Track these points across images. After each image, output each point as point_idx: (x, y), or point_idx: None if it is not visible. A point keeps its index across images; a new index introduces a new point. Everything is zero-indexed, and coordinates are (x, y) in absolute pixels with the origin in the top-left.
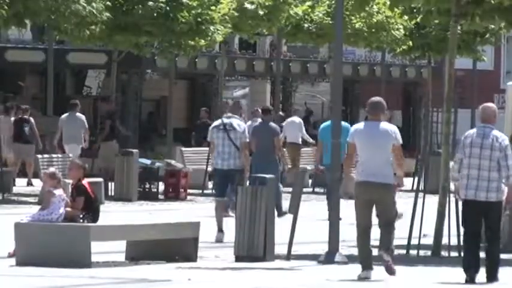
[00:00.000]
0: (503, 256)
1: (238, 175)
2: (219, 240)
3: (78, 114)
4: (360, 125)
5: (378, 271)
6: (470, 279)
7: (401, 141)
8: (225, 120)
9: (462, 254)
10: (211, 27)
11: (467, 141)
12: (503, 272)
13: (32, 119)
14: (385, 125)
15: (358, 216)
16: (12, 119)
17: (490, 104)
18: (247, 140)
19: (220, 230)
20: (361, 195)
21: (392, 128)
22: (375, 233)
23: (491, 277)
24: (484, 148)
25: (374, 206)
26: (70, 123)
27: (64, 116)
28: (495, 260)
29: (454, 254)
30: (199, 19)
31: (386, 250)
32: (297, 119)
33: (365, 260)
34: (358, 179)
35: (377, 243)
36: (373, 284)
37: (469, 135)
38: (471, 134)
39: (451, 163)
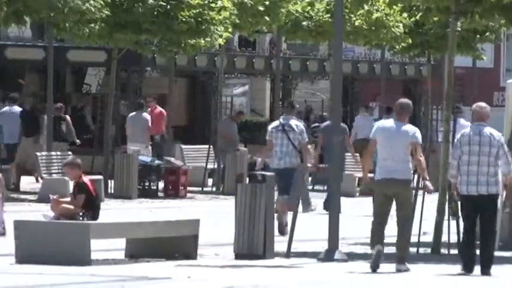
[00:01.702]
0: (504, 254)
1: (295, 173)
2: (282, 232)
3: (144, 114)
4: (383, 123)
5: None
6: (469, 271)
7: (420, 141)
8: (283, 121)
9: (460, 249)
10: (212, 27)
11: (465, 139)
12: (502, 269)
13: (68, 117)
14: (406, 125)
15: (376, 212)
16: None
17: (483, 104)
18: (307, 140)
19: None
20: (381, 191)
21: (412, 129)
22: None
23: (486, 272)
24: (483, 145)
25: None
26: (135, 123)
27: (130, 115)
28: (491, 255)
29: (453, 251)
30: (199, 19)
31: (402, 262)
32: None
33: (376, 238)
34: (378, 176)
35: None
36: (386, 276)
37: (465, 134)
38: (467, 132)
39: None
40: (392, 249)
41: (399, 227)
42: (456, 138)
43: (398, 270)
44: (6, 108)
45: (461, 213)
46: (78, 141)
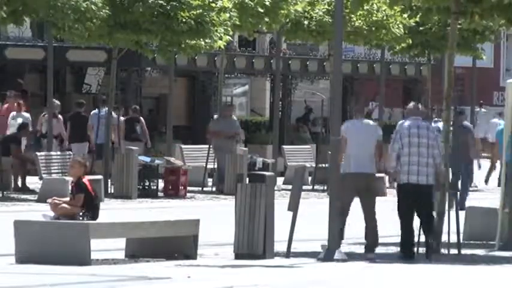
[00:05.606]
0: (504, 254)
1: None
2: None
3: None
4: (350, 122)
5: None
6: (410, 257)
7: (381, 138)
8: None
9: (401, 234)
10: (212, 29)
11: (405, 132)
12: (502, 269)
13: (142, 119)
14: (369, 123)
15: (344, 204)
16: (123, 118)
17: (414, 103)
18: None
19: None
20: (351, 184)
21: (377, 127)
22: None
23: (430, 257)
24: (422, 137)
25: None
26: (225, 125)
27: (217, 117)
28: (432, 241)
29: (453, 251)
30: (199, 20)
31: (372, 251)
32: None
33: (341, 235)
34: (348, 171)
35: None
36: (386, 276)
37: (404, 127)
38: (406, 125)
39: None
40: (392, 250)
41: (368, 217)
42: (397, 127)
43: (368, 259)
44: (96, 110)
45: (400, 202)
46: (150, 142)
